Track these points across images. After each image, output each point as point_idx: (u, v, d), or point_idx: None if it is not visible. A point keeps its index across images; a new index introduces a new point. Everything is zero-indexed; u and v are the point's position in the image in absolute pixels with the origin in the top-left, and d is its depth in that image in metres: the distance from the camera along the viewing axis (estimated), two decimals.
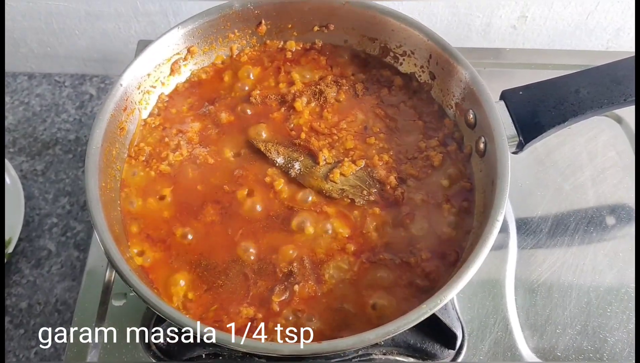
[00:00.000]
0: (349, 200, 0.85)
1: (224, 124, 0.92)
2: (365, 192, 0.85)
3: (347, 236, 0.82)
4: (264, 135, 0.90)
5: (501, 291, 0.92)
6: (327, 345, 0.67)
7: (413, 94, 0.96)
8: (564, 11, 1.29)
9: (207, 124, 0.92)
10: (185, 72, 0.97)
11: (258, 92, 0.94)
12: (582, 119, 0.83)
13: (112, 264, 0.72)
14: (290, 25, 0.99)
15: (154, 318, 0.85)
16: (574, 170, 1.04)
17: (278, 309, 0.76)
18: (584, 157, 1.05)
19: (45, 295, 1.06)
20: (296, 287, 0.77)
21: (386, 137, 0.91)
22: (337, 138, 0.90)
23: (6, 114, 1.28)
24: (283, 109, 0.93)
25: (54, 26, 1.33)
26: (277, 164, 0.87)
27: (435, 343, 0.86)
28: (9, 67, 1.37)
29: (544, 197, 1.01)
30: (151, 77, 0.92)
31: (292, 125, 0.91)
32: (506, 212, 0.76)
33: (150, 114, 0.93)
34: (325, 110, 0.93)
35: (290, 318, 0.76)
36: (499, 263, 0.95)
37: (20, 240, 1.09)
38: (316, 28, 0.99)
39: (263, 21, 0.98)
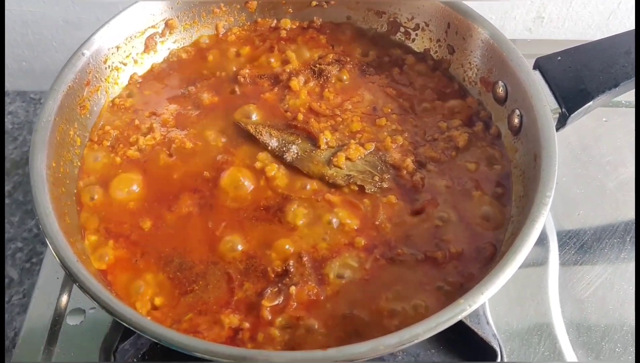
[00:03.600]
0: (357, 187, 0.70)
1: (206, 105, 0.78)
2: (377, 178, 0.70)
3: (356, 228, 0.67)
4: (254, 117, 0.76)
5: (544, 303, 0.76)
6: (334, 353, 0.50)
7: (430, 72, 0.82)
8: (583, 10, 1.19)
9: (187, 105, 0.78)
10: (162, 51, 0.84)
11: (247, 71, 0.81)
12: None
13: (61, 261, 0.58)
14: (284, 0, 0.86)
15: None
16: (615, 166, 0.90)
17: (270, 317, 0.60)
18: (626, 152, 0.92)
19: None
20: (292, 289, 0.62)
21: (399, 118, 0.77)
22: (340, 119, 0.76)
23: None
24: (276, 89, 0.80)
25: (29, 37, 1.21)
26: (269, 148, 0.72)
27: None
28: None
29: (584, 195, 0.87)
30: (121, 52, 0.79)
31: (287, 106, 0.78)
32: None
33: (119, 96, 0.79)
34: (327, 90, 0.79)
35: (286, 328, 0.60)
36: (538, 270, 0.79)
37: None
38: (314, 3, 0.87)
39: None
